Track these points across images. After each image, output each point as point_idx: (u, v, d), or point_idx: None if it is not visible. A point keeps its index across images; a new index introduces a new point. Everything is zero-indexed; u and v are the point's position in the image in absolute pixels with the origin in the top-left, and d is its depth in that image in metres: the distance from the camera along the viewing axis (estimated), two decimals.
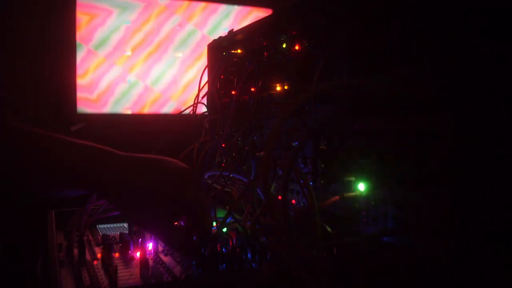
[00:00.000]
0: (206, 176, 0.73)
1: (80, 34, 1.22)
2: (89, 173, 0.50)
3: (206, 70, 0.82)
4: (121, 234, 0.62)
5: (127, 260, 0.55)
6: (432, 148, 0.40)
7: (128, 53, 1.28)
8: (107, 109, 1.27)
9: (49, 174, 0.50)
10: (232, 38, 0.76)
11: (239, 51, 0.73)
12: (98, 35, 1.25)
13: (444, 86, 0.39)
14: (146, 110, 1.31)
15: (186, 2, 1.33)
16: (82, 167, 0.50)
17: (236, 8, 1.38)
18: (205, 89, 0.80)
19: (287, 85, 0.60)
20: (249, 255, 0.54)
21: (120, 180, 0.50)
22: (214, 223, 0.61)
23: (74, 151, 0.51)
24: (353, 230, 0.50)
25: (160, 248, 0.59)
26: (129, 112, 1.29)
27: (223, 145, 0.69)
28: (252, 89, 0.64)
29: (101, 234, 0.66)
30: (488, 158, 0.40)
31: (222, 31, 1.38)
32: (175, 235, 0.52)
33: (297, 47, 0.58)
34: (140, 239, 0.57)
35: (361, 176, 0.49)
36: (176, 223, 0.55)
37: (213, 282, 0.47)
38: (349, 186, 0.51)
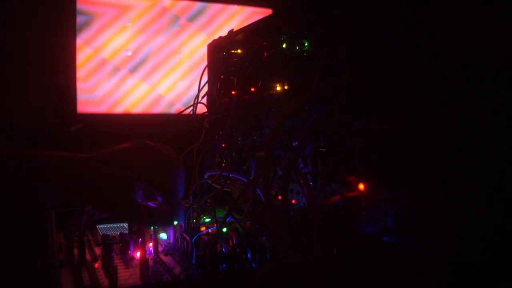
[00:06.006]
0: (206, 176, 0.73)
1: (80, 34, 1.22)
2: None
3: (206, 70, 0.82)
4: (121, 234, 0.62)
5: (127, 260, 0.55)
6: (431, 148, 0.40)
7: (129, 53, 1.28)
8: (107, 109, 1.27)
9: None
10: (232, 38, 0.76)
11: (239, 51, 0.73)
12: (98, 35, 1.25)
13: (443, 86, 0.39)
14: (146, 110, 1.31)
15: (186, 2, 1.33)
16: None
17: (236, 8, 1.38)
18: (205, 89, 0.80)
19: (287, 85, 0.60)
20: (249, 255, 0.54)
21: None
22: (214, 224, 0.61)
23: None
24: (353, 230, 0.50)
25: (160, 248, 0.59)
26: (129, 112, 1.29)
27: (223, 145, 0.69)
28: (252, 89, 0.64)
29: (101, 234, 0.66)
30: (487, 158, 0.40)
31: (223, 31, 1.39)
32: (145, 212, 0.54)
33: (297, 47, 0.58)
34: (140, 239, 0.57)
35: (361, 176, 0.49)
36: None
37: (213, 282, 0.47)
38: (349, 186, 0.51)
